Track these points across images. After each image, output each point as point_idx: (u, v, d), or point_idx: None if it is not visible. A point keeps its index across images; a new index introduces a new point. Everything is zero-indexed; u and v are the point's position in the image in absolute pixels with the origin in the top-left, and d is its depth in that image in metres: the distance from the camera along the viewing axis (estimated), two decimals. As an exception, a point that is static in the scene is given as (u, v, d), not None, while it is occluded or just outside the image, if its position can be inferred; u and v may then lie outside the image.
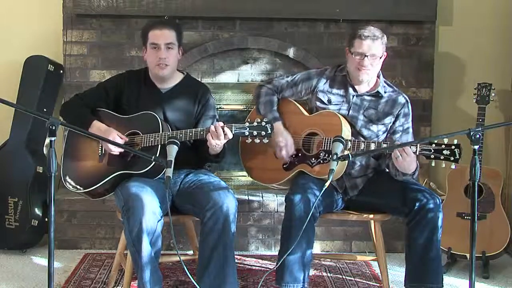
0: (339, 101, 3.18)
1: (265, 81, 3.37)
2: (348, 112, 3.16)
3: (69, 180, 3.12)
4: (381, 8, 4.04)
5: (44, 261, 3.76)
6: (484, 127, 2.72)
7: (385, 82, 3.23)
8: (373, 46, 3.06)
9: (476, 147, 2.45)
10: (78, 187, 3.08)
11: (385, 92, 3.19)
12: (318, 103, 3.20)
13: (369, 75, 3.12)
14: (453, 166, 2.84)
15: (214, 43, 4.12)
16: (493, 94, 3.80)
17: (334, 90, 3.20)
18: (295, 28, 4.14)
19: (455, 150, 2.80)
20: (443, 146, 2.81)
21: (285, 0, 4.02)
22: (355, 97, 3.17)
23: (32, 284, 3.43)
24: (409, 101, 3.21)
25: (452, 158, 2.81)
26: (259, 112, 3.24)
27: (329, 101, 3.19)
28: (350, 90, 3.18)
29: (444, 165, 2.85)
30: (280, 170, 3.20)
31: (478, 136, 2.45)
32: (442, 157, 2.83)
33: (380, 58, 3.10)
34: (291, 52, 4.12)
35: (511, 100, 4.18)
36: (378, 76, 3.21)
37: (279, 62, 4.19)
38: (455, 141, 2.81)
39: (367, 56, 3.06)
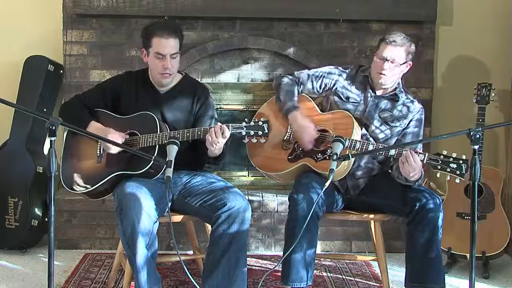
0: (356, 101, 3.20)
1: (287, 73, 3.39)
2: (364, 112, 3.17)
3: (67, 181, 3.11)
4: (381, 8, 4.04)
5: (44, 261, 3.76)
6: (484, 127, 2.72)
7: (403, 88, 3.25)
8: (395, 52, 3.09)
9: (476, 147, 2.45)
10: (77, 188, 3.08)
11: (401, 97, 3.20)
12: (336, 98, 3.21)
13: (387, 80, 3.14)
14: (457, 181, 2.88)
15: (214, 43, 4.12)
16: (493, 94, 3.80)
17: (353, 89, 3.22)
18: (295, 28, 4.14)
19: (462, 165, 2.84)
20: (451, 159, 2.86)
21: (285, 0, 4.02)
22: (372, 98, 3.18)
23: (32, 284, 3.43)
24: (423, 108, 3.23)
25: (458, 172, 2.86)
26: (279, 99, 3.26)
27: (347, 98, 3.20)
28: (369, 91, 3.19)
29: (449, 178, 2.90)
30: (284, 161, 3.20)
31: (478, 136, 2.45)
32: (448, 169, 2.87)
33: (401, 65, 3.11)
34: (291, 52, 4.12)
35: (511, 100, 4.18)
36: (398, 83, 3.23)
37: (279, 62, 4.19)
38: (464, 156, 2.85)
39: (387, 60, 3.09)
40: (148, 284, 2.82)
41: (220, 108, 4.22)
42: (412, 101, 3.22)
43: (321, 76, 3.28)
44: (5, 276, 3.54)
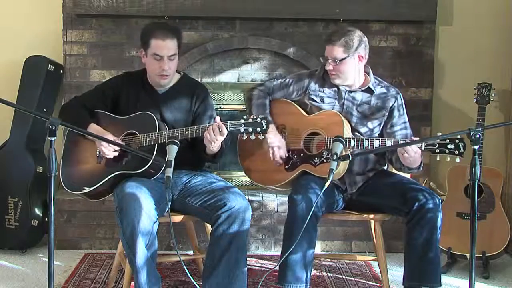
0: (332, 100, 3.20)
1: (257, 84, 3.38)
2: (342, 109, 3.18)
3: (67, 182, 3.11)
4: (381, 8, 4.04)
5: (44, 261, 3.76)
6: (484, 127, 2.72)
7: (375, 78, 3.24)
8: (332, 50, 3.10)
9: (476, 147, 2.45)
10: (76, 189, 3.08)
11: (376, 88, 3.21)
12: (312, 102, 3.22)
13: (339, 79, 3.15)
14: (457, 160, 2.85)
15: (214, 43, 4.12)
16: (493, 94, 3.80)
17: (326, 89, 3.22)
18: (295, 28, 4.14)
19: (459, 144, 2.82)
20: (447, 140, 2.84)
21: (285, 0, 4.02)
22: (347, 93, 3.19)
23: (32, 284, 3.43)
24: (400, 92, 3.22)
25: (456, 152, 2.83)
26: (251, 114, 3.25)
27: (322, 100, 3.21)
28: (342, 88, 3.20)
29: (449, 159, 2.87)
30: (282, 171, 3.20)
31: (478, 136, 2.45)
32: (447, 151, 2.85)
33: (342, 60, 3.09)
34: (291, 52, 4.12)
35: (511, 100, 4.18)
36: (368, 73, 3.23)
37: (279, 62, 4.19)
38: (458, 136, 2.83)
39: (328, 60, 3.12)
40: (148, 284, 2.82)
41: (220, 108, 4.22)
42: (386, 90, 3.21)
43: (291, 83, 3.28)
44: (5, 276, 3.54)
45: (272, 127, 3.18)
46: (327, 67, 3.13)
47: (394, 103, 3.18)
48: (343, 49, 3.09)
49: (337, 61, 3.09)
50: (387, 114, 3.18)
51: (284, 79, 3.32)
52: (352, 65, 3.12)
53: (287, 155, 3.17)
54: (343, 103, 3.18)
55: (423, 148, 2.90)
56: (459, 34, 4.25)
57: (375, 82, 3.22)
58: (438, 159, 2.91)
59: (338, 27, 3.19)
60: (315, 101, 3.21)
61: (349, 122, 3.15)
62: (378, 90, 3.21)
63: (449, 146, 2.84)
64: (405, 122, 3.20)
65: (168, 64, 3.06)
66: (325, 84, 3.23)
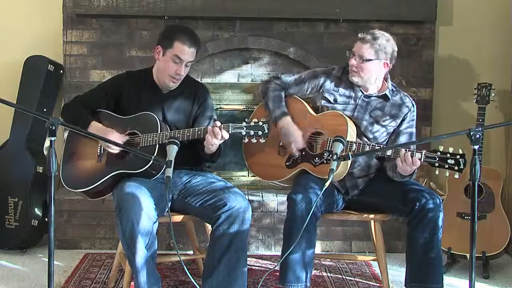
0: (345, 101, 3.19)
1: (272, 77, 3.37)
2: (354, 112, 3.17)
3: (67, 180, 3.11)
4: (381, 8, 4.04)
5: (44, 261, 3.76)
6: (484, 127, 2.71)
7: (393, 86, 3.24)
8: (362, 48, 3.10)
9: (476, 147, 2.45)
10: (76, 187, 3.08)
11: (392, 96, 3.20)
12: (324, 102, 3.21)
13: (359, 78, 3.13)
14: (456, 176, 2.85)
15: (214, 43, 4.12)
16: (493, 94, 3.80)
17: (341, 90, 3.21)
18: (295, 28, 4.14)
19: (460, 160, 2.82)
20: (448, 155, 2.84)
21: (285, 0, 4.02)
22: (362, 98, 3.18)
23: (32, 284, 3.43)
24: (415, 106, 3.22)
25: (456, 168, 2.83)
26: (267, 106, 3.25)
27: (335, 100, 3.20)
28: (358, 91, 3.19)
29: (448, 174, 2.87)
30: (283, 167, 3.20)
31: (478, 136, 2.45)
32: (446, 166, 2.84)
33: (369, 61, 3.09)
34: (291, 52, 4.12)
35: (511, 100, 4.18)
36: (386, 80, 3.22)
37: (279, 62, 4.19)
38: (460, 151, 2.83)
39: (354, 55, 3.11)
40: (147, 284, 2.82)
41: (220, 108, 4.22)
42: (402, 99, 3.21)
43: (306, 79, 3.27)
44: (5, 276, 3.54)
45: (288, 119, 3.18)
46: (351, 61, 3.12)
47: (406, 115, 3.18)
48: (374, 52, 3.10)
49: (363, 60, 3.09)
50: (398, 122, 3.18)
51: (300, 75, 3.30)
52: (375, 69, 3.13)
53: (305, 146, 3.16)
54: (356, 106, 3.18)
55: (422, 160, 2.89)
56: (459, 34, 4.25)
57: (392, 89, 3.22)
58: (437, 172, 2.91)
59: (375, 30, 3.17)
60: (328, 100, 3.20)
61: (359, 126, 3.15)
62: (394, 98, 3.20)
63: (449, 161, 2.83)
64: (411, 134, 3.19)
65: (184, 70, 3.09)
66: (340, 84, 3.22)
